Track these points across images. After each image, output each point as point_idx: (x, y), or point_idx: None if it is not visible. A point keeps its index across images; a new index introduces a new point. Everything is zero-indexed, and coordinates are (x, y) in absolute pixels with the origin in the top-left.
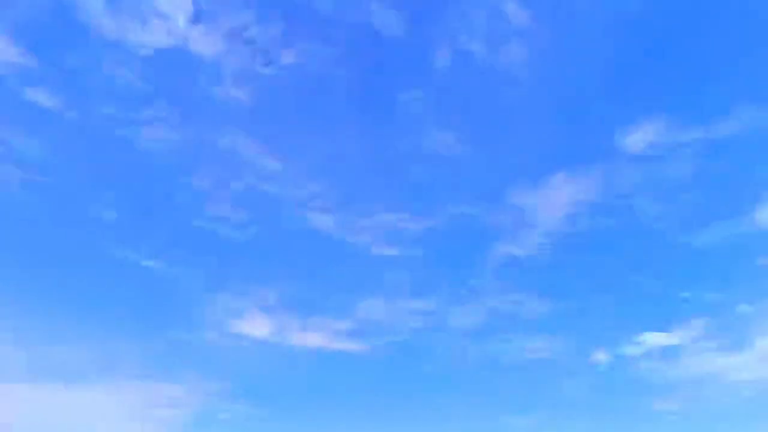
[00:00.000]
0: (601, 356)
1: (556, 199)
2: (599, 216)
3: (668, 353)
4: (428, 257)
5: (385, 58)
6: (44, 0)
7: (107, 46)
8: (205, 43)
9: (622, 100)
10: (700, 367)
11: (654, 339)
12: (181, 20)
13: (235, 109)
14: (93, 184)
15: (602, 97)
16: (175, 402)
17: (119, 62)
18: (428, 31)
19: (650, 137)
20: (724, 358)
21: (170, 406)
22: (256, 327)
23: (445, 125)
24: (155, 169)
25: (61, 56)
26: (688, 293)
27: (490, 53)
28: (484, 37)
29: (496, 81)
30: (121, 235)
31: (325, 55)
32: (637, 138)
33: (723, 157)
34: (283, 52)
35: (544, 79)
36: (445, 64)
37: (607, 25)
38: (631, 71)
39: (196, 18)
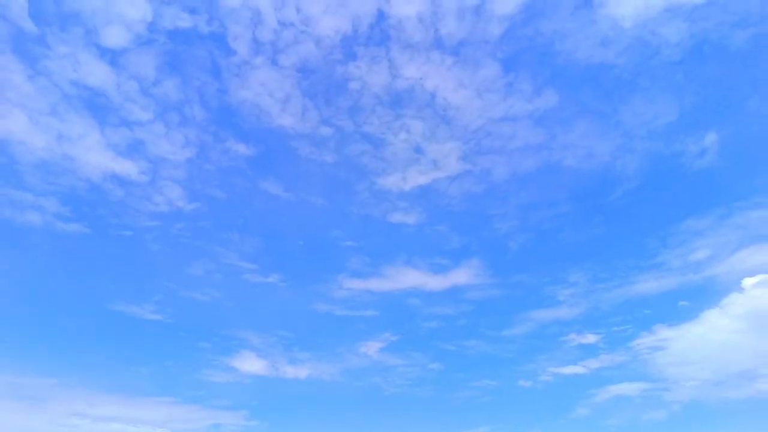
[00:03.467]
0: (525, 383)
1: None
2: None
3: (578, 380)
4: (381, 317)
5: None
6: (84, 180)
7: (122, 206)
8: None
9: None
10: (605, 391)
11: (567, 369)
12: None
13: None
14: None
15: None
16: (189, 417)
17: (133, 221)
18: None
19: None
20: (624, 384)
21: (185, 421)
22: (250, 363)
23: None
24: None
25: (94, 211)
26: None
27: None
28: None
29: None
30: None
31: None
32: None
33: None
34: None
35: None
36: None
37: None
38: None
39: (190, 197)
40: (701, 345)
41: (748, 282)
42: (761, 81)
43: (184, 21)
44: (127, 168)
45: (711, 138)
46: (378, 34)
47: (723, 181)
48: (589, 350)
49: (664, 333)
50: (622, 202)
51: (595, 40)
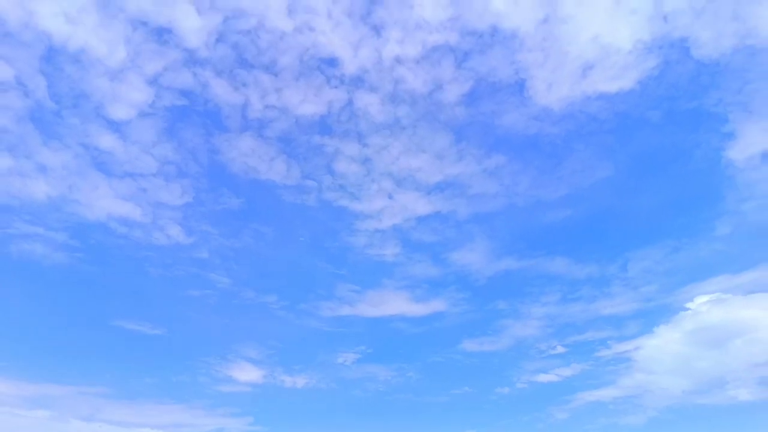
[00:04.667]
0: (502, 390)
1: None
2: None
3: (551, 387)
4: (367, 334)
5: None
6: (91, 219)
7: (126, 239)
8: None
9: None
10: (579, 397)
11: (541, 377)
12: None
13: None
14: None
15: None
16: (193, 422)
17: (135, 252)
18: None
19: None
20: (596, 391)
21: (190, 426)
22: (248, 373)
23: None
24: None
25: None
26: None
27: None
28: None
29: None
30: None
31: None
32: None
33: None
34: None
35: None
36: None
37: None
38: None
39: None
40: (662, 356)
41: (692, 303)
42: (680, 145)
43: (182, 101)
44: (131, 210)
45: (646, 189)
46: (348, 115)
47: (665, 223)
48: (561, 360)
49: (623, 346)
50: (578, 239)
51: (529, 116)
